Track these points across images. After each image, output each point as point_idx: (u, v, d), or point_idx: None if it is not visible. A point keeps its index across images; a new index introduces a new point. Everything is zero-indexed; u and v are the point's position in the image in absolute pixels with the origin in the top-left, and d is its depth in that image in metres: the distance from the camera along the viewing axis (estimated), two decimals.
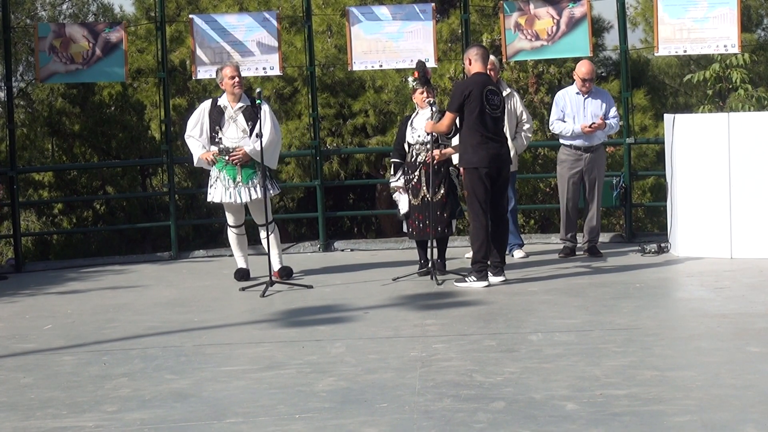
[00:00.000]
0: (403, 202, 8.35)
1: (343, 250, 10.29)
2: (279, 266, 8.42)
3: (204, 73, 10.03)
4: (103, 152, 14.94)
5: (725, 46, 9.75)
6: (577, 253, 9.13)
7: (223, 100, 8.27)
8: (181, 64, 14.31)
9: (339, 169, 14.41)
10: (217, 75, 8.36)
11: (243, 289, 8.04)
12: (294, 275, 8.50)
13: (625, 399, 4.74)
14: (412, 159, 8.31)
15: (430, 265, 8.09)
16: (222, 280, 8.65)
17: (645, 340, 5.90)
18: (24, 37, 15.24)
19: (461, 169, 7.97)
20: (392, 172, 8.47)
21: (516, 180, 9.42)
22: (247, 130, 8.18)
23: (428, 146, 8.16)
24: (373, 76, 14.04)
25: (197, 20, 10.08)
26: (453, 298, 7.42)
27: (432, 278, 7.98)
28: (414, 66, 8.68)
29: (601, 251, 9.16)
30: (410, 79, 8.48)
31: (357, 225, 16.32)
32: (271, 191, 8.36)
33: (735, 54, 11.11)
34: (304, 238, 11.23)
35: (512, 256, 9.11)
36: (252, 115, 8.18)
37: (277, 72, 10.20)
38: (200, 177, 14.99)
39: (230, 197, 8.21)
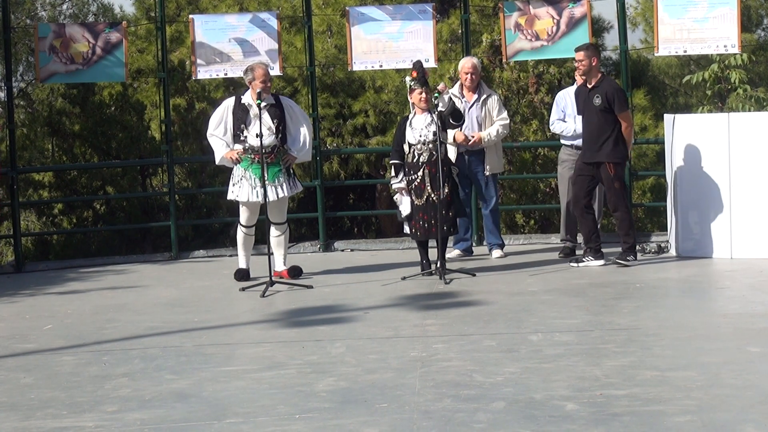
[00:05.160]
0: (405, 203, 8.34)
1: (343, 251, 10.29)
2: (287, 266, 8.44)
3: (204, 73, 10.04)
4: (103, 152, 14.92)
5: (725, 46, 9.75)
6: (577, 253, 9.12)
7: (247, 98, 8.22)
8: (181, 64, 14.30)
9: (339, 169, 14.40)
10: (246, 73, 8.27)
11: (243, 289, 8.04)
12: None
13: (625, 399, 4.75)
14: (414, 159, 8.31)
15: (438, 264, 8.11)
16: (222, 280, 8.65)
17: (645, 340, 5.90)
18: (24, 37, 15.23)
19: (608, 163, 8.35)
20: (393, 174, 8.47)
21: (498, 180, 9.44)
22: (273, 128, 8.18)
23: (430, 146, 8.19)
24: (373, 76, 14.03)
25: (197, 20, 10.08)
26: (453, 298, 7.42)
27: (440, 278, 7.99)
28: (410, 66, 8.69)
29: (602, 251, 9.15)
30: (407, 78, 8.49)
31: (357, 225, 16.30)
32: (297, 188, 8.41)
33: (734, 54, 11.12)
34: (304, 238, 11.22)
35: (491, 255, 9.17)
36: (277, 113, 8.19)
37: (277, 72, 10.20)
38: (200, 177, 15.00)
39: (257, 196, 8.18)
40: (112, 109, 14.97)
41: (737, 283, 7.63)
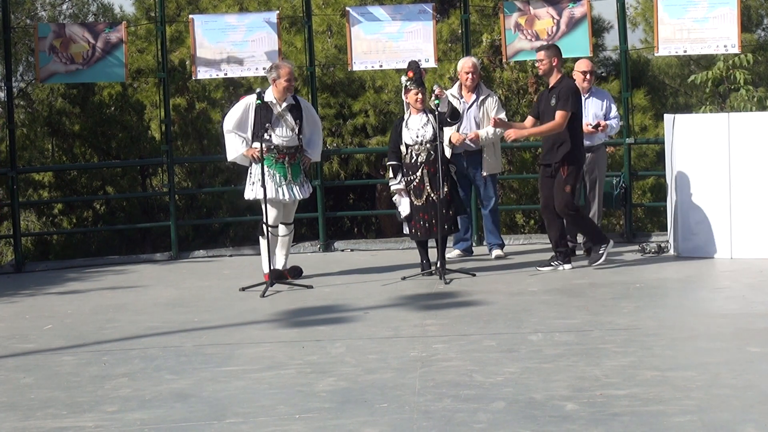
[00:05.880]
0: (404, 204, 8.34)
1: (343, 251, 10.29)
2: (288, 266, 8.42)
3: (204, 73, 10.03)
4: (103, 152, 14.92)
5: (725, 46, 9.75)
6: (576, 253, 9.12)
7: (270, 96, 8.14)
8: (181, 64, 14.30)
9: (339, 169, 14.41)
10: (271, 71, 8.20)
11: (243, 289, 8.03)
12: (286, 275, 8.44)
13: (625, 399, 4.75)
14: (412, 160, 8.31)
15: (438, 264, 8.11)
16: (222, 280, 8.65)
17: (645, 340, 5.90)
18: (24, 37, 15.23)
19: (563, 167, 8.23)
20: (391, 175, 8.47)
21: (498, 180, 9.43)
22: (295, 128, 8.17)
23: (428, 146, 8.19)
24: (373, 76, 14.04)
25: (197, 20, 10.07)
26: (453, 299, 7.42)
27: (440, 278, 7.99)
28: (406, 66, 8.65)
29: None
30: (403, 78, 8.45)
31: (357, 225, 16.31)
32: (309, 190, 8.41)
33: (738, 54, 11.11)
34: (304, 238, 11.22)
35: (491, 255, 9.16)
36: (298, 113, 8.18)
37: None
38: (200, 177, 14.99)
39: (283, 195, 8.13)
40: (112, 109, 14.98)
41: (737, 283, 7.63)
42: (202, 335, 6.55)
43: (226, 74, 10.15)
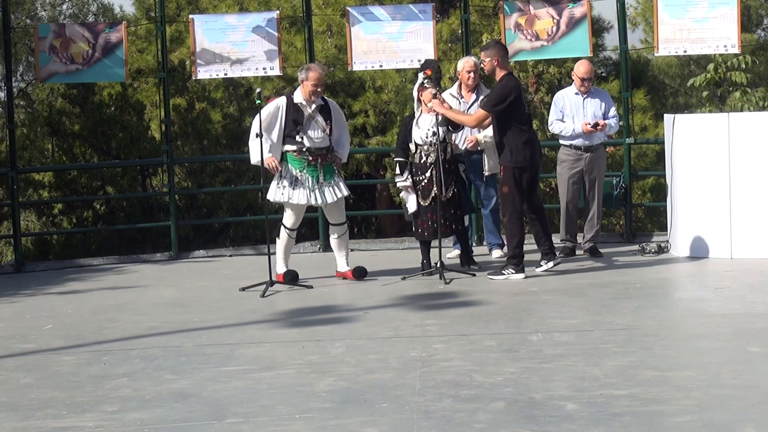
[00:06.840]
0: (411, 201, 8.35)
1: None
2: (351, 267, 8.32)
3: (204, 73, 10.03)
4: (103, 152, 14.95)
5: (725, 46, 9.75)
6: (577, 253, 9.13)
7: (299, 98, 8.08)
8: (181, 64, 14.31)
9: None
10: (301, 72, 8.11)
11: (243, 289, 8.03)
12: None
13: (625, 399, 4.75)
14: (422, 160, 8.30)
15: (437, 265, 8.12)
16: (222, 281, 8.65)
17: (645, 340, 5.90)
18: (24, 37, 15.26)
19: (501, 167, 8.11)
20: (398, 172, 8.46)
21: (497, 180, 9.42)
22: (326, 128, 8.11)
23: (437, 146, 8.18)
24: (373, 76, 14.05)
25: (197, 20, 10.07)
26: (453, 299, 7.42)
27: (440, 278, 7.99)
28: (422, 64, 8.59)
29: (601, 251, 9.16)
30: (421, 75, 8.42)
31: (357, 225, 16.32)
32: (345, 191, 8.29)
33: (737, 55, 11.12)
34: (304, 238, 11.22)
35: (491, 255, 9.16)
36: (328, 114, 8.14)
37: (277, 72, 10.20)
38: (200, 177, 15.00)
39: (315, 200, 8.07)
40: (112, 109, 15.00)
41: (737, 283, 7.63)
42: (202, 335, 6.55)
43: (226, 74, 10.15)
